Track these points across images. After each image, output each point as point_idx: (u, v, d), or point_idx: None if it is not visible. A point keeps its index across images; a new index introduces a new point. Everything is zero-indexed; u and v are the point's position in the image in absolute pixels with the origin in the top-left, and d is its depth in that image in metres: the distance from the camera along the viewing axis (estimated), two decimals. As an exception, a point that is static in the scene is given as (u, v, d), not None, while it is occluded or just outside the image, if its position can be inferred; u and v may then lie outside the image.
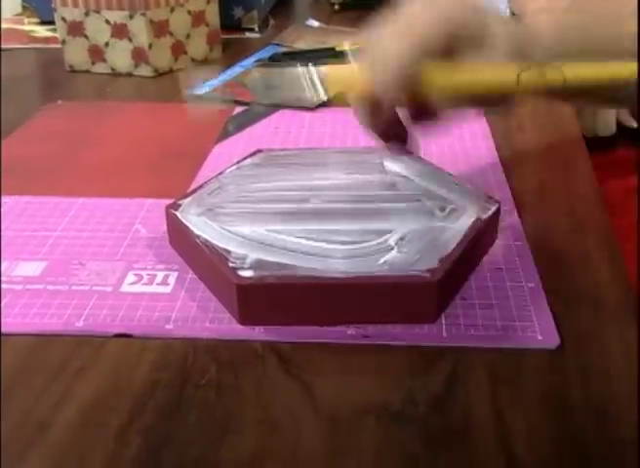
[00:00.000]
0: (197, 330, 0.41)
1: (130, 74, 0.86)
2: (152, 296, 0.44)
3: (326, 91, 0.76)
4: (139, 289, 0.44)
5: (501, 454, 0.33)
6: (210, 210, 0.47)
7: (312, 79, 0.81)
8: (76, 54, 0.87)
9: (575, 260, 0.47)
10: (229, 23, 1.00)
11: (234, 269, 0.41)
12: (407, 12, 0.44)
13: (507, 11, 0.43)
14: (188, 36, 0.88)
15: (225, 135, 0.68)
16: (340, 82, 0.77)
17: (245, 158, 0.55)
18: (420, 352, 0.39)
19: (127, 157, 0.64)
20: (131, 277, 0.46)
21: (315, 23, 1.08)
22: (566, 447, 0.33)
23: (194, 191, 0.50)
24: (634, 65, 0.38)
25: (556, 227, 0.51)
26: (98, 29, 0.85)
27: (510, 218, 0.51)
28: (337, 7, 1.14)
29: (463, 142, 0.64)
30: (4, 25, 1.09)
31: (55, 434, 0.34)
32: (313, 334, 0.40)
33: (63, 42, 0.87)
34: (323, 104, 0.74)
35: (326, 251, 0.42)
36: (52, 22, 0.95)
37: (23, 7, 1.12)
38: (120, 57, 0.85)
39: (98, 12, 0.84)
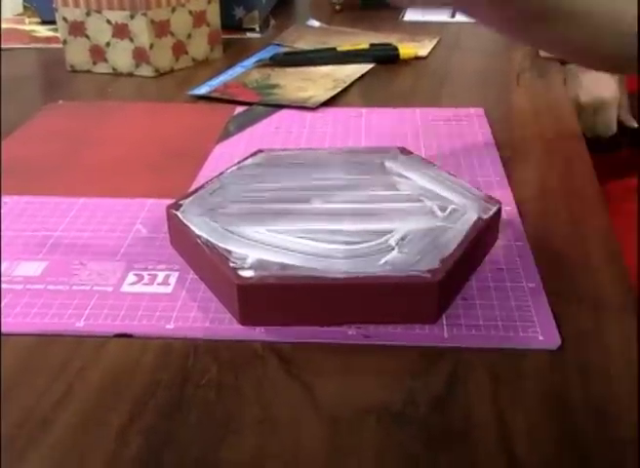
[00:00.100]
0: (198, 330, 0.41)
1: (131, 74, 0.86)
2: (153, 296, 0.44)
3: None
4: (139, 289, 0.44)
5: (502, 455, 0.33)
6: (211, 210, 0.47)
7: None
8: (77, 54, 0.87)
9: (575, 261, 0.47)
10: (230, 23, 1.00)
11: (235, 269, 0.41)
12: None
13: None
14: (189, 36, 0.88)
15: (226, 135, 0.68)
16: None
17: (246, 158, 0.55)
18: (420, 352, 0.39)
19: (128, 157, 0.64)
20: (131, 277, 0.46)
21: (316, 23, 1.08)
22: (566, 447, 0.33)
23: (195, 191, 0.50)
24: None
25: (557, 227, 0.51)
26: (99, 29, 0.85)
27: (511, 219, 0.51)
28: (337, 7, 1.14)
29: (464, 143, 0.64)
30: (5, 25, 1.09)
31: (55, 434, 0.34)
32: (314, 335, 0.40)
33: (64, 42, 0.87)
34: (324, 104, 0.74)
35: (327, 251, 0.42)
36: (53, 22, 0.95)
37: (24, 7, 1.12)
38: (121, 57, 0.86)
39: (99, 12, 0.84)
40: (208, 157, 0.63)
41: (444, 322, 0.41)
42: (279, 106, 0.74)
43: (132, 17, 0.82)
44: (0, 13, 1.10)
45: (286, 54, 0.90)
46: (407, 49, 0.89)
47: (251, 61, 0.89)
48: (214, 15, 0.90)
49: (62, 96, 0.79)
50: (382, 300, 0.40)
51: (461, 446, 0.33)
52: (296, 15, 1.16)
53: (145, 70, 0.85)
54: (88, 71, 0.88)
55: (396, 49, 0.88)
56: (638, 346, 0.39)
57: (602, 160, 0.65)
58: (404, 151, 0.55)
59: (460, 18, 1.10)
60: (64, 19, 0.86)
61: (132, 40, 0.84)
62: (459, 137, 0.65)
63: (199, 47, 0.90)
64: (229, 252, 0.42)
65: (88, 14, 0.84)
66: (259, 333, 0.41)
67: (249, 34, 1.02)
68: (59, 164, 0.63)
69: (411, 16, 1.12)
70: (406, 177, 0.51)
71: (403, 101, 0.75)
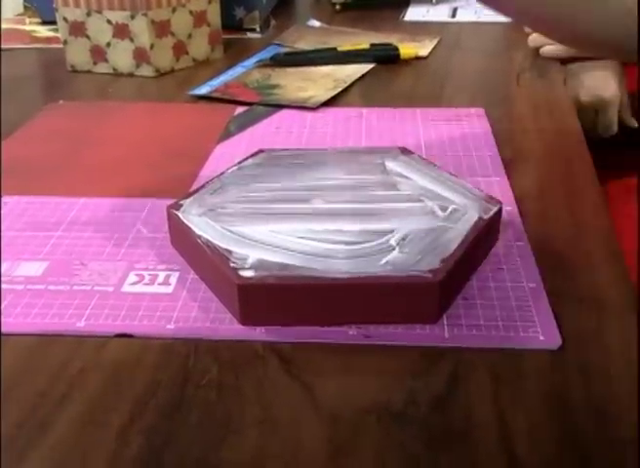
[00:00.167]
0: (198, 330, 0.41)
1: (131, 74, 0.86)
2: (154, 296, 0.44)
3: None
4: (140, 289, 0.44)
5: (503, 455, 0.33)
6: (211, 210, 0.47)
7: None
8: (78, 54, 0.88)
9: (576, 261, 0.47)
10: (231, 24, 1.00)
11: (235, 269, 0.41)
12: None
13: None
14: (190, 36, 0.88)
15: (227, 135, 0.68)
16: None
17: (246, 158, 0.55)
18: (421, 352, 0.39)
19: (128, 157, 0.64)
20: (132, 277, 0.46)
21: (316, 24, 1.08)
22: (567, 447, 0.33)
23: (196, 191, 0.50)
24: None
25: (557, 227, 0.51)
26: (99, 29, 0.85)
27: (512, 219, 0.51)
28: (338, 7, 1.14)
29: (465, 142, 0.64)
30: (5, 25, 1.09)
31: (56, 434, 0.34)
32: (314, 335, 0.40)
33: (65, 42, 0.88)
34: (325, 104, 0.74)
35: (327, 251, 0.42)
36: (53, 22, 0.95)
37: (25, 7, 1.12)
38: (121, 57, 0.86)
39: (99, 12, 0.84)
40: (208, 157, 0.63)
41: (445, 322, 0.41)
42: (280, 106, 0.74)
43: (132, 17, 0.82)
44: (0, 13, 1.10)
45: (286, 54, 0.90)
46: (407, 49, 0.89)
47: (251, 62, 0.89)
48: (214, 15, 0.90)
49: (63, 96, 0.79)
50: (383, 300, 0.40)
51: (462, 446, 0.33)
52: (296, 15, 1.16)
53: (146, 70, 0.85)
54: (88, 71, 0.88)
55: (397, 49, 0.88)
56: (638, 346, 0.39)
57: (602, 160, 0.65)
58: (404, 151, 0.55)
59: (460, 17, 1.10)
60: (65, 19, 0.86)
61: (132, 40, 0.84)
62: (459, 137, 0.65)
63: (200, 47, 0.90)
64: (230, 252, 0.42)
65: (88, 14, 0.84)
66: (259, 333, 0.41)
67: (249, 34, 1.02)
68: (59, 164, 0.63)
69: (411, 16, 1.12)
70: (406, 177, 0.51)
71: (403, 101, 0.75)
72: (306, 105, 0.74)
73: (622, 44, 0.52)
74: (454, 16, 1.11)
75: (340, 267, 0.41)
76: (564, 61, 0.87)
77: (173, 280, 0.45)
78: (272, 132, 0.68)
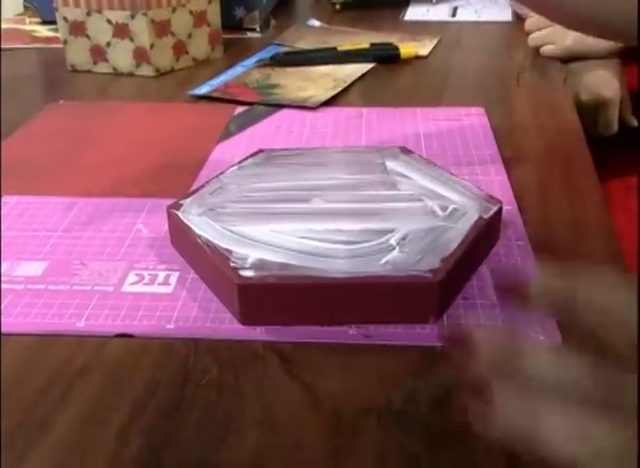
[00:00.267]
0: (198, 330, 0.41)
1: (131, 74, 0.86)
2: (153, 296, 0.44)
3: None
4: (140, 289, 0.44)
5: (503, 454, 0.33)
6: (211, 209, 0.47)
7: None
8: (78, 53, 0.87)
9: (576, 259, 0.47)
10: (231, 23, 1.00)
11: (235, 269, 0.41)
12: None
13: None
14: (190, 36, 0.88)
15: (227, 134, 0.68)
16: None
17: (246, 158, 0.55)
18: (421, 352, 0.39)
19: (128, 157, 0.64)
20: (132, 277, 0.46)
21: (316, 23, 1.08)
22: (567, 447, 0.33)
23: (196, 191, 0.50)
24: None
25: (558, 227, 0.51)
26: (99, 29, 0.85)
27: (512, 218, 0.51)
28: (338, 7, 1.14)
29: (465, 142, 0.64)
30: (5, 25, 1.09)
31: (56, 433, 0.34)
32: (314, 334, 0.40)
33: (65, 42, 0.87)
34: (325, 104, 0.74)
35: (327, 251, 0.42)
36: (53, 22, 0.95)
37: (25, 7, 1.12)
38: (122, 56, 0.85)
39: (99, 12, 0.84)
40: (208, 157, 0.63)
41: (445, 322, 0.41)
42: (280, 106, 0.74)
43: (132, 16, 0.82)
44: (0, 13, 1.10)
45: (286, 53, 0.90)
46: (407, 48, 0.89)
47: (251, 61, 0.89)
48: (214, 14, 0.90)
49: (63, 95, 0.79)
50: (383, 300, 0.40)
51: (462, 445, 0.33)
52: (296, 14, 1.16)
53: (146, 70, 0.85)
54: (88, 71, 0.88)
55: (397, 48, 0.88)
56: (638, 346, 0.39)
57: (603, 159, 0.64)
58: (405, 151, 0.55)
59: (460, 17, 1.10)
60: (65, 18, 0.86)
61: (132, 40, 0.84)
62: (459, 137, 0.65)
63: (200, 47, 0.90)
64: (230, 251, 0.42)
65: (88, 13, 0.84)
66: (259, 333, 0.41)
67: (249, 34, 1.02)
68: (59, 164, 0.63)
69: (411, 15, 1.12)
70: (407, 177, 0.51)
71: (404, 101, 0.75)
72: (306, 105, 0.74)
73: (623, 29, 0.53)
74: (454, 15, 1.11)
75: (341, 267, 0.41)
76: (564, 60, 0.87)
77: (173, 280, 0.45)
78: (272, 131, 0.68)
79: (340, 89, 0.78)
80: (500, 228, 0.48)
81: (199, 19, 0.88)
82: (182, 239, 0.47)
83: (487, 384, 0.25)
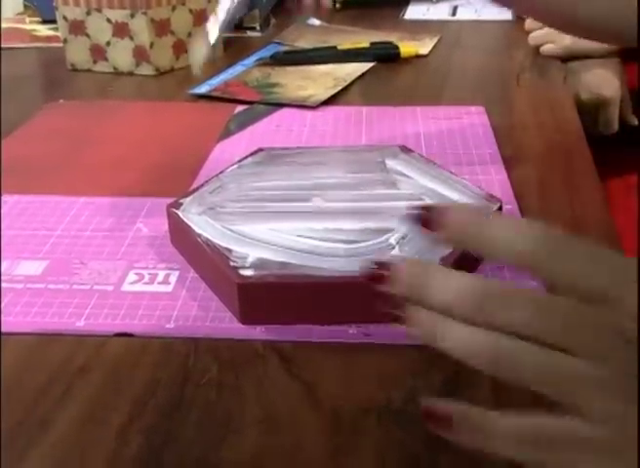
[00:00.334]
0: (198, 329, 0.41)
1: (131, 73, 0.86)
2: (153, 296, 0.44)
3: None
4: (140, 288, 0.44)
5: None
6: (211, 209, 0.47)
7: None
8: (78, 53, 0.87)
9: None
10: (231, 22, 1.00)
11: (235, 268, 0.41)
12: None
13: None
14: (190, 35, 0.88)
15: (227, 133, 0.68)
16: None
17: (246, 157, 0.55)
18: (421, 351, 0.39)
19: (128, 156, 0.64)
20: (132, 276, 0.46)
21: (316, 22, 1.08)
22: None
23: (195, 190, 0.50)
24: None
25: (558, 225, 0.50)
26: (99, 28, 0.85)
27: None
28: (338, 5, 1.14)
29: (465, 140, 0.64)
30: (5, 24, 1.09)
31: (56, 433, 0.34)
32: (314, 334, 0.40)
33: (65, 41, 0.87)
34: (325, 103, 0.74)
35: (327, 250, 0.42)
36: (53, 21, 0.95)
37: (25, 6, 1.12)
38: (121, 55, 0.85)
39: (99, 11, 0.84)
40: (208, 156, 0.63)
41: (445, 320, 0.41)
42: (280, 105, 0.74)
43: (132, 15, 0.82)
44: (0, 12, 1.10)
45: (286, 52, 0.90)
46: (407, 47, 0.89)
47: (251, 60, 0.89)
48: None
49: (63, 95, 0.79)
50: (383, 299, 0.40)
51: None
52: (296, 13, 1.16)
53: (146, 69, 0.85)
54: (88, 70, 0.88)
55: (397, 47, 0.88)
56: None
57: (603, 157, 0.64)
58: (404, 150, 0.55)
59: (460, 16, 1.10)
60: (65, 17, 0.86)
61: (132, 39, 0.84)
62: (459, 136, 0.65)
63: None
64: (230, 250, 0.42)
65: (88, 13, 0.84)
66: (259, 332, 0.41)
67: (249, 33, 1.02)
68: (59, 163, 0.62)
69: (411, 14, 1.12)
70: (406, 176, 0.51)
71: (404, 100, 0.75)
72: (306, 104, 0.74)
73: (623, 33, 0.53)
74: (454, 14, 1.11)
75: (340, 266, 0.41)
76: (564, 59, 0.87)
77: (172, 279, 0.45)
78: (272, 130, 0.68)
79: (339, 88, 0.78)
80: (500, 227, 0.48)
81: (199, 17, 0.88)
82: (182, 238, 0.46)
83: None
